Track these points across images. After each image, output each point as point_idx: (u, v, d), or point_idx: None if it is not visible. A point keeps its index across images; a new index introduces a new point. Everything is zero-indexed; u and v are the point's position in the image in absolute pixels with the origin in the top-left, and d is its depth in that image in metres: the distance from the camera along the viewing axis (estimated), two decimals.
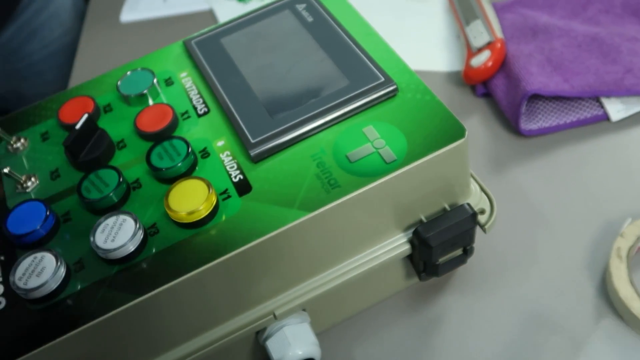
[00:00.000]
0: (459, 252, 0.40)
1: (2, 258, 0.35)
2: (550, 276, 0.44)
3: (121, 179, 0.36)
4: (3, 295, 0.34)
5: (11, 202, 0.38)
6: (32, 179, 0.39)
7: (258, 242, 0.33)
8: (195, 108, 0.41)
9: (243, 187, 0.36)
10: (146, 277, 0.33)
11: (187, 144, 0.38)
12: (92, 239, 0.33)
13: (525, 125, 0.52)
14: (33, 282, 0.32)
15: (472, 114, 0.56)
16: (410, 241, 0.38)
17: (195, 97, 0.42)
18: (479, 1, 0.61)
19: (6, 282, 0.34)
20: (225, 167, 0.37)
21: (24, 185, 0.39)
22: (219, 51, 0.44)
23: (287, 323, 0.37)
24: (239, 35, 0.45)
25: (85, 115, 0.39)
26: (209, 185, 0.35)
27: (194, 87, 0.43)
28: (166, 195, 0.35)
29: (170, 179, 0.37)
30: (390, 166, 0.35)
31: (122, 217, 0.34)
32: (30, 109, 0.45)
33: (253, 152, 0.37)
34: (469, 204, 0.38)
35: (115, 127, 0.41)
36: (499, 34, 0.57)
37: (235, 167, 0.37)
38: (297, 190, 0.35)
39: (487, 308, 0.43)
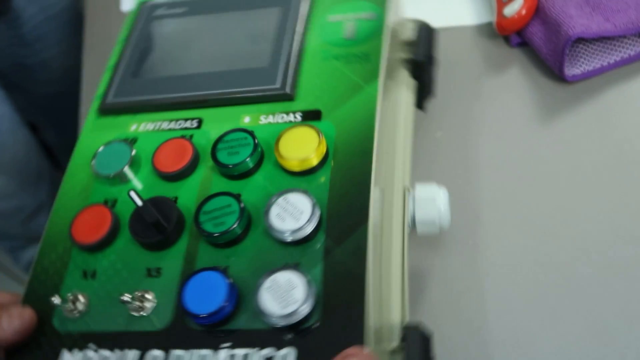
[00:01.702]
0: None
1: None
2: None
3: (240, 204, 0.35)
4: None
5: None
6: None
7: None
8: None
9: (313, 115, 0.38)
10: None
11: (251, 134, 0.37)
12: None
13: (569, 71, 0.50)
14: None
15: (510, 66, 0.54)
16: None
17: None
18: None
19: None
20: (283, 122, 0.38)
21: None
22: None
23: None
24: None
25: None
26: (318, 133, 0.35)
27: None
28: (276, 142, 0.36)
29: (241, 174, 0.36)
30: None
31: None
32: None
33: (287, 90, 0.39)
34: None
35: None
36: None
37: (286, 116, 0.38)
38: (346, 79, 0.39)
39: None
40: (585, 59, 0.51)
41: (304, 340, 0.30)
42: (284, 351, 0.30)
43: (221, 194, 0.35)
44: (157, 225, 0.34)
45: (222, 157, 0.36)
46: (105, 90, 0.43)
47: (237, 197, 0.34)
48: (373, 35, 0.41)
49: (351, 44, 0.41)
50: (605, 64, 0.51)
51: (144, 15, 0.47)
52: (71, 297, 0.34)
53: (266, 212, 0.33)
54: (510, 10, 0.53)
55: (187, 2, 0.47)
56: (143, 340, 0.32)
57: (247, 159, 0.36)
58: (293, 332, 0.30)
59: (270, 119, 0.39)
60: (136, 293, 0.33)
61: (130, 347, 0.32)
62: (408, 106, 0.45)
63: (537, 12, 0.53)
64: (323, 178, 0.35)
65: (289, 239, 0.32)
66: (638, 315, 0.40)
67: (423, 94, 0.48)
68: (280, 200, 0.33)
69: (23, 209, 0.91)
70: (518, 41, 0.54)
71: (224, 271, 0.32)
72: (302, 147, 0.35)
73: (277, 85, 0.39)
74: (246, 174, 0.36)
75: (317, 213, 0.33)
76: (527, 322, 0.41)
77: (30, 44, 0.84)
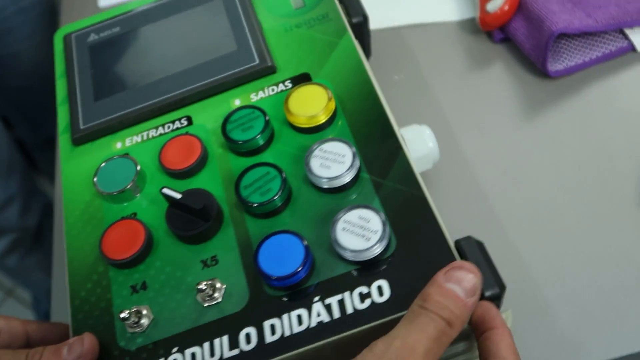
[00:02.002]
0: None
1: None
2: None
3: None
4: None
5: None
6: None
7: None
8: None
9: (302, 79, 0.39)
10: None
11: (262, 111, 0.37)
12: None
13: (552, 66, 0.52)
14: None
15: (493, 61, 0.56)
16: None
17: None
18: None
19: None
20: (275, 93, 0.39)
21: None
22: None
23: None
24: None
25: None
26: (324, 87, 0.37)
27: None
28: (285, 106, 0.36)
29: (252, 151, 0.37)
30: None
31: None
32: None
33: (268, 63, 0.40)
34: None
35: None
36: None
37: (276, 87, 0.39)
38: (319, 41, 0.41)
39: None
40: (567, 54, 0.52)
41: (390, 269, 0.31)
42: (375, 284, 0.30)
43: (253, 167, 0.35)
44: (202, 212, 0.33)
45: (237, 135, 0.36)
46: (70, 122, 0.41)
47: (269, 163, 0.34)
48: None
49: (305, 12, 0.43)
50: (587, 59, 0.52)
51: (76, 45, 0.45)
52: (134, 311, 0.31)
53: (307, 166, 0.33)
54: (493, 6, 0.54)
55: (116, 22, 0.46)
56: (227, 325, 0.31)
57: (264, 129, 0.36)
58: (377, 266, 0.31)
59: (262, 94, 0.39)
60: (205, 283, 0.31)
61: (217, 336, 0.31)
62: (365, 61, 0.47)
63: (520, 8, 0.54)
64: (341, 122, 0.36)
65: (339, 183, 0.33)
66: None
67: (364, 51, 0.51)
68: (317, 151, 0.34)
69: None
70: (501, 37, 0.55)
71: (292, 231, 0.32)
72: (312, 103, 0.36)
73: (257, 62, 0.40)
74: (265, 145, 0.36)
75: (357, 154, 0.34)
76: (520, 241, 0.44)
77: (1, 36, 0.81)
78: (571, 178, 0.47)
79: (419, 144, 0.43)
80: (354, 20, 0.47)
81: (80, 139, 0.40)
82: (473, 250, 0.33)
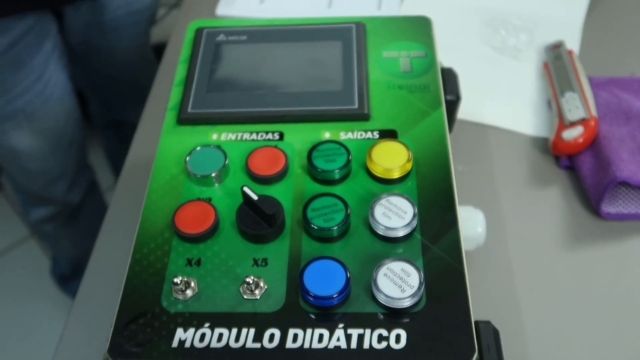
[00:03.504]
0: None
1: None
2: None
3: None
4: None
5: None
6: None
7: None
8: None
9: (389, 134, 0.43)
10: None
11: (347, 150, 0.41)
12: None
13: (606, 207, 0.54)
14: None
15: (552, 184, 0.59)
16: None
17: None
18: (577, 75, 0.63)
19: None
20: (362, 138, 0.43)
21: None
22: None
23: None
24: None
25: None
26: (407, 147, 0.41)
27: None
28: (368, 153, 0.40)
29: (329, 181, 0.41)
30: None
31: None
32: None
33: (365, 110, 0.44)
34: None
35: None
36: (593, 111, 0.59)
37: (364, 133, 0.43)
38: (414, 106, 0.45)
39: None
40: (623, 201, 0.55)
41: (412, 324, 0.34)
42: (395, 332, 0.34)
43: (327, 195, 0.39)
44: (270, 218, 0.37)
45: (320, 163, 0.40)
46: (180, 102, 0.46)
47: (340, 197, 0.38)
48: (428, 69, 0.48)
49: (410, 77, 0.47)
50: None
51: (205, 40, 0.51)
52: (184, 280, 0.36)
53: (372, 210, 0.37)
54: (568, 135, 0.57)
55: (245, 31, 0.52)
56: (257, 321, 0.34)
57: (344, 166, 0.40)
58: (401, 316, 0.34)
59: (350, 135, 0.43)
60: (252, 278, 0.35)
61: (245, 327, 0.34)
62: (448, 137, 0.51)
63: (592, 144, 0.57)
64: (411, 183, 0.40)
65: (393, 234, 0.37)
66: None
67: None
68: (384, 201, 0.38)
69: (48, 172, 0.92)
70: (566, 164, 0.59)
71: (340, 261, 0.36)
72: (393, 157, 0.40)
73: (355, 106, 0.44)
74: (339, 180, 0.40)
75: (417, 214, 0.37)
76: (559, 334, 0.47)
77: (106, 32, 0.87)
78: (597, 314, 0.49)
79: (469, 225, 0.46)
80: (448, 97, 0.51)
81: (184, 120, 0.45)
82: (488, 335, 0.36)
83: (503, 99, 0.67)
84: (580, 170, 0.57)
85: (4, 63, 0.76)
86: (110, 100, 1.05)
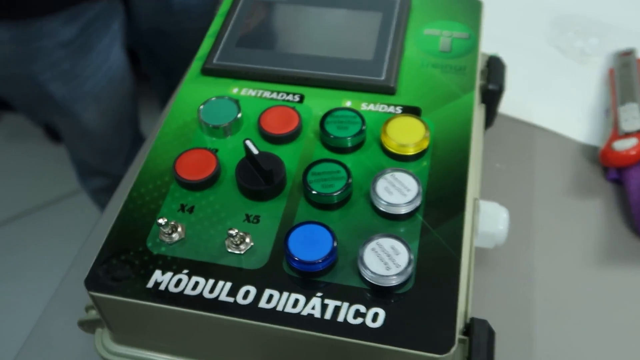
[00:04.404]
0: None
1: None
2: None
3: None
4: None
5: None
6: None
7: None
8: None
9: (412, 111, 0.41)
10: None
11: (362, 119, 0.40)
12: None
13: None
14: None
15: (595, 196, 0.55)
16: None
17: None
18: None
19: None
20: (383, 111, 0.41)
21: None
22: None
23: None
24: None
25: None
26: (426, 125, 0.39)
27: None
28: (384, 125, 0.39)
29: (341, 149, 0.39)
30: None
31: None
32: None
33: (391, 83, 0.42)
34: None
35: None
36: None
37: (387, 107, 0.42)
38: (444, 86, 0.43)
39: None
40: None
41: (394, 305, 0.32)
42: (373, 310, 0.32)
43: (331, 161, 0.37)
44: (267, 175, 0.36)
45: (331, 129, 0.39)
46: (208, 53, 0.45)
47: (343, 164, 0.37)
48: (468, 52, 0.45)
49: (447, 57, 0.45)
50: None
51: None
52: (172, 223, 0.35)
53: (374, 183, 0.36)
54: (620, 146, 0.53)
55: None
56: (236, 275, 0.33)
57: (357, 134, 0.38)
58: (384, 295, 0.32)
59: (372, 107, 0.42)
60: (238, 232, 0.34)
61: (222, 279, 0.33)
62: (480, 125, 0.48)
63: None
64: (425, 163, 0.38)
65: (393, 211, 0.35)
66: None
67: (486, 119, 0.52)
68: (388, 175, 0.36)
69: (109, 149, 0.95)
70: (614, 177, 0.55)
71: (329, 228, 0.34)
72: (408, 134, 0.38)
73: (382, 78, 0.42)
74: (351, 149, 0.39)
75: (421, 194, 0.35)
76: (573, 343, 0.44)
77: (176, 14, 0.88)
78: (620, 343, 0.46)
79: (490, 220, 0.44)
80: (490, 86, 0.48)
81: (208, 70, 0.44)
82: (481, 334, 0.34)
83: (558, 101, 0.63)
84: (628, 185, 0.53)
85: (75, 48, 0.77)
86: (177, 81, 1.05)
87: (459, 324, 0.33)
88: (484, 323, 0.35)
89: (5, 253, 1.35)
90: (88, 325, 0.38)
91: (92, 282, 0.34)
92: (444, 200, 0.36)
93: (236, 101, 0.41)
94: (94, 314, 0.38)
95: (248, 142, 0.36)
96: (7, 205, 1.44)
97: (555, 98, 0.64)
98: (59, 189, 1.47)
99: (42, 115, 0.92)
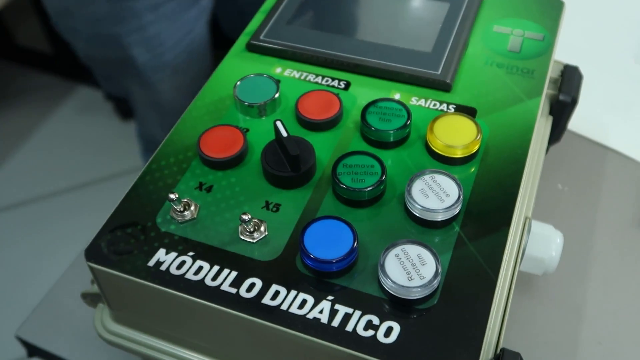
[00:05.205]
0: None
1: None
2: None
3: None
4: None
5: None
6: None
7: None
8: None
9: (467, 111, 0.37)
10: None
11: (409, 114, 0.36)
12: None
13: None
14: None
15: None
16: None
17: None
18: None
19: None
20: (435, 109, 0.37)
21: None
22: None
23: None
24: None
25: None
26: (478, 128, 0.35)
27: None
28: (432, 122, 0.35)
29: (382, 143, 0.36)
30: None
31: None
32: None
33: (447, 79, 0.38)
34: None
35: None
36: None
37: (439, 104, 0.38)
38: (507, 88, 0.38)
39: None
40: None
41: (412, 320, 0.28)
42: (387, 323, 0.28)
43: (366, 154, 0.33)
44: (294, 161, 0.32)
45: (372, 120, 0.35)
46: (257, 29, 0.43)
47: (381, 161, 0.33)
48: (540, 54, 0.41)
49: (515, 58, 0.40)
50: None
51: None
52: (185, 201, 0.32)
53: (410, 184, 0.32)
54: None
55: None
56: (243, 265, 0.30)
57: (400, 129, 0.35)
58: (402, 309, 0.29)
59: (422, 102, 0.38)
60: (252, 218, 0.31)
61: (228, 267, 0.30)
62: (544, 138, 0.43)
63: None
64: (472, 169, 0.34)
65: (428, 217, 0.31)
66: None
67: (553, 133, 0.47)
68: (427, 177, 0.32)
69: None
70: None
71: (353, 228, 0.30)
72: (458, 135, 0.34)
73: (438, 72, 0.38)
74: (392, 144, 0.35)
75: (461, 201, 0.31)
76: None
77: None
78: None
79: (541, 244, 0.39)
80: (561, 97, 0.43)
81: (253, 46, 0.41)
82: None
83: (638, 124, 0.57)
84: None
85: (162, 14, 0.77)
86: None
87: (486, 354, 0.29)
88: (516, 356, 0.30)
89: (60, 220, 1.38)
90: (91, 299, 0.36)
91: (92, 253, 0.31)
92: (487, 213, 0.32)
93: (277, 81, 0.38)
94: (96, 287, 0.35)
95: (278, 123, 0.33)
96: (68, 175, 1.48)
97: (635, 121, 0.58)
98: (120, 164, 1.49)
99: (118, 84, 0.92)
